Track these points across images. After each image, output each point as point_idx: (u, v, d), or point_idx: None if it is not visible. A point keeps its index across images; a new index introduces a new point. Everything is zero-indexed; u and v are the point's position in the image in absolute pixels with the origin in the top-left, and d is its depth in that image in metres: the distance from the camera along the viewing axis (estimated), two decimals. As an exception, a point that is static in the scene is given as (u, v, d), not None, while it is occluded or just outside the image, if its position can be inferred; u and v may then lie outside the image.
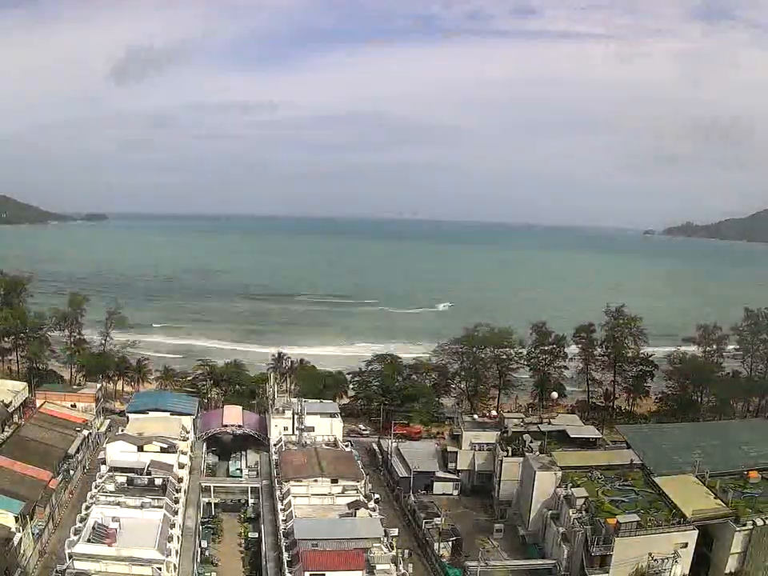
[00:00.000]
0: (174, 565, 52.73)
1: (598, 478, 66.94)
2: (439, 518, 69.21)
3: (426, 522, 69.05)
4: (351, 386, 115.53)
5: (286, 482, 67.76)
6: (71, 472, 75.17)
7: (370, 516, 61.95)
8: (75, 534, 52.75)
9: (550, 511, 65.32)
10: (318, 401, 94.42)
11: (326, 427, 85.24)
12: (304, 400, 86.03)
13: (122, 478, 64.14)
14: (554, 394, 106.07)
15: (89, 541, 51.22)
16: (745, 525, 57.20)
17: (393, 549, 57.00)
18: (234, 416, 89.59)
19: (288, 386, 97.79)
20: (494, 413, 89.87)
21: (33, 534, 59.71)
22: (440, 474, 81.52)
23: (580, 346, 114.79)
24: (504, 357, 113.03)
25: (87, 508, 57.92)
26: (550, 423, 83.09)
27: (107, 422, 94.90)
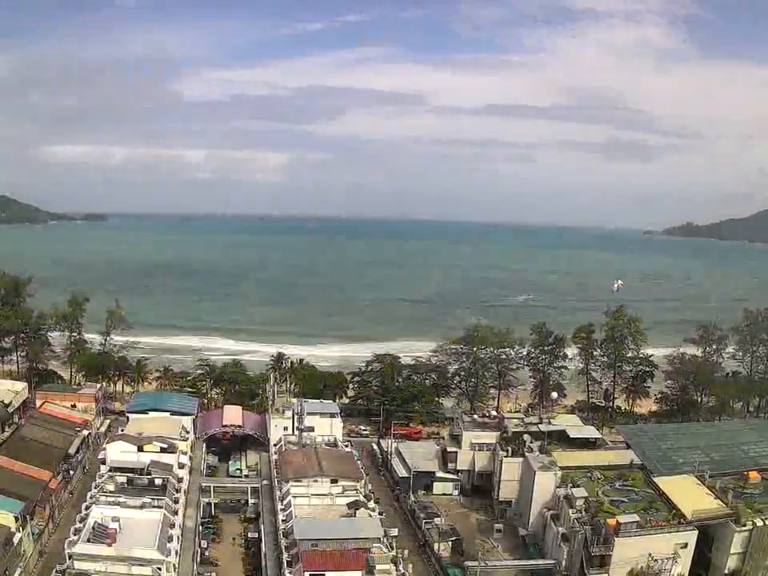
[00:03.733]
0: (174, 565, 52.70)
1: (598, 478, 67.00)
2: (439, 518, 69.29)
3: (425, 522, 69.06)
4: (351, 386, 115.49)
5: (285, 482, 67.68)
6: (71, 472, 75.10)
7: (370, 516, 61.91)
8: (75, 534, 52.68)
9: (550, 511, 65.36)
10: (318, 401, 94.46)
11: (326, 427, 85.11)
12: (304, 400, 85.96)
13: (121, 478, 63.99)
14: (554, 394, 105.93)
15: (89, 541, 51.17)
16: (745, 525, 57.22)
17: (393, 549, 56.91)
18: (234, 416, 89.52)
19: (288, 386, 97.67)
20: (494, 413, 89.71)
21: (33, 534, 59.60)
22: (440, 474, 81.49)
23: (579, 346, 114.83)
24: (504, 357, 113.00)
25: (87, 508, 57.80)
26: (550, 423, 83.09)
27: (107, 422, 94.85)
